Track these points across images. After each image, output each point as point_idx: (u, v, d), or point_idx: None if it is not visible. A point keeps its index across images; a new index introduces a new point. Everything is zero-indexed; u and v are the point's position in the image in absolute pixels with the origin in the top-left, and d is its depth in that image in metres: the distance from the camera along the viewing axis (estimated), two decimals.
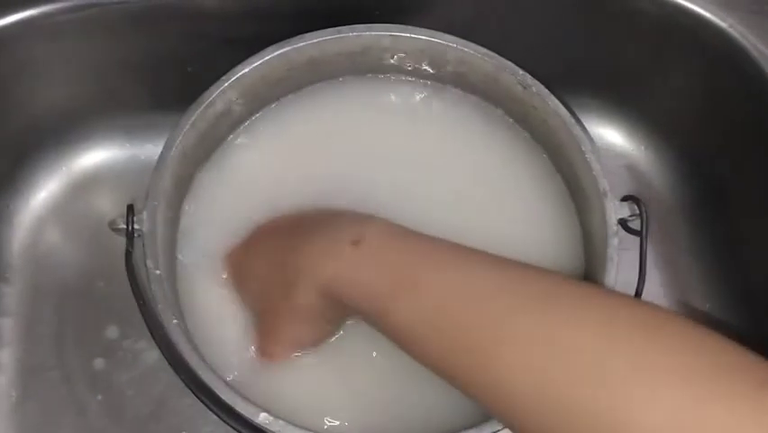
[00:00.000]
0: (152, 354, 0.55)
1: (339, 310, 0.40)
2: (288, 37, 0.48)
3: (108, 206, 0.59)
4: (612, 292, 0.39)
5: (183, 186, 0.47)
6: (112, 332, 0.56)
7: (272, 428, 0.39)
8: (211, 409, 0.41)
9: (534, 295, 0.34)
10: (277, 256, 0.42)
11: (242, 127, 0.50)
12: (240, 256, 0.45)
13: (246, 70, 0.47)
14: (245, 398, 0.39)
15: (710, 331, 0.31)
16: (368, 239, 0.38)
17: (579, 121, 0.47)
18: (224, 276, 0.45)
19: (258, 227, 0.46)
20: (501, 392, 0.32)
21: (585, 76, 0.60)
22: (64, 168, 0.60)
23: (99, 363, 0.55)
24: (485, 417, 0.39)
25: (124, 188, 0.59)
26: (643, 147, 0.63)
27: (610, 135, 0.63)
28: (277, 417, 0.39)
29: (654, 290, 0.58)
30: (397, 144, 0.50)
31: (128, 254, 0.43)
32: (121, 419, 0.54)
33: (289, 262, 0.40)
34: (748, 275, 0.57)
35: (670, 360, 0.30)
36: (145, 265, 0.42)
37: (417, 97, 0.52)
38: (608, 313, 0.33)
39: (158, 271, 0.42)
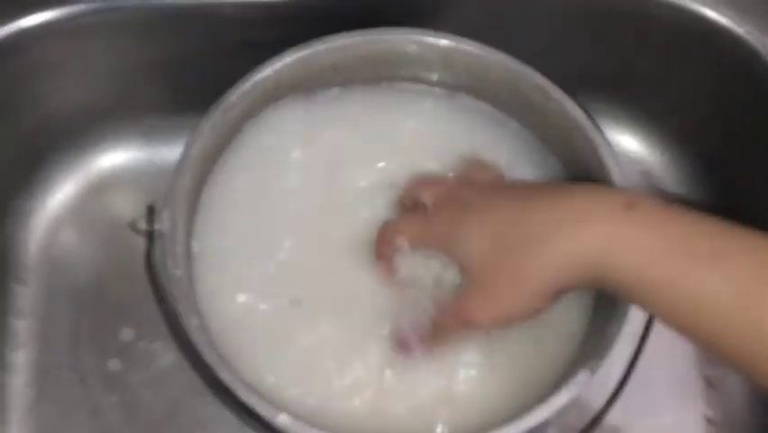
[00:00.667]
0: (167, 356, 0.55)
1: (579, 282, 0.37)
2: (307, 41, 0.49)
3: (125, 208, 0.59)
4: None
5: (201, 179, 0.47)
6: (127, 333, 0.56)
7: (291, 430, 0.39)
8: (231, 410, 0.41)
9: None
10: (510, 212, 0.38)
11: (261, 130, 0.50)
12: (439, 203, 0.41)
13: (266, 73, 0.48)
14: (265, 399, 0.39)
15: None
16: (641, 205, 0.35)
17: (597, 126, 0.47)
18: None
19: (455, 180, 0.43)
20: None
21: (600, 82, 0.60)
22: (81, 169, 0.60)
23: (114, 364, 0.55)
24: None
25: (142, 190, 0.59)
26: (659, 153, 0.63)
27: (626, 141, 0.63)
28: (296, 418, 0.39)
29: None
30: (411, 150, 0.50)
31: (148, 255, 0.43)
32: (135, 420, 0.54)
33: (533, 224, 0.37)
34: None
35: None
36: (165, 266, 0.42)
37: (431, 104, 0.52)
38: None
39: (178, 272, 0.42)
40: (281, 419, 0.39)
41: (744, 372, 0.34)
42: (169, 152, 0.58)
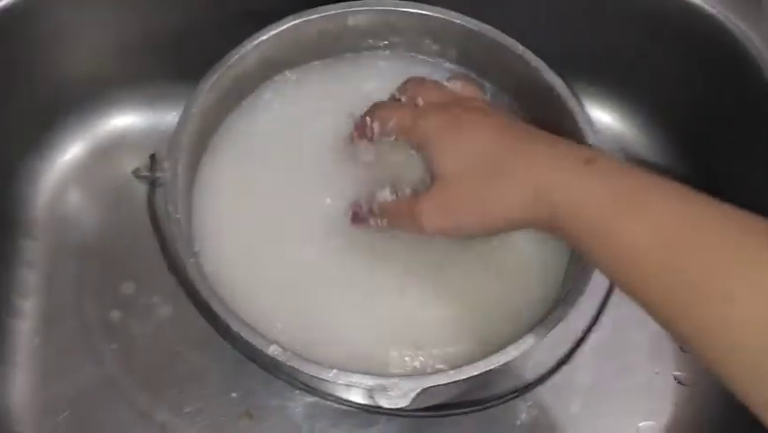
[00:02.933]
0: (165, 309, 0.59)
1: (532, 220, 0.39)
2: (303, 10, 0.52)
3: (129, 169, 0.62)
4: None
5: (203, 141, 0.50)
6: (128, 287, 0.59)
7: (282, 359, 0.41)
8: (230, 343, 0.44)
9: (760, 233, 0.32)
10: (492, 142, 0.40)
11: (257, 91, 0.53)
12: (426, 116, 0.43)
13: (264, 38, 0.51)
14: (256, 331, 0.42)
15: None
16: (600, 161, 0.38)
17: (575, 95, 0.50)
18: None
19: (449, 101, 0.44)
20: (725, 344, 0.31)
21: (582, 61, 0.63)
22: (88, 132, 0.64)
23: (115, 315, 0.58)
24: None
25: (145, 153, 0.61)
26: (637, 130, 0.66)
27: (606, 119, 0.66)
28: (286, 349, 0.42)
29: None
30: None
31: (150, 200, 0.46)
32: (133, 367, 0.57)
33: (508, 159, 0.40)
34: None
35: None
36: (166, 209, 0.45)
37: (419, 70, 0.54)
38: None
39: (177, 216, 0.45)
40: (272, 350, 0.42)
41: (667, 326, 0.35)
42: (172, 118, 0.59)
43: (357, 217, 0.46)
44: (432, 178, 0.42)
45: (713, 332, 0.32)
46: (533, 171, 0.39)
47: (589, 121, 0.49)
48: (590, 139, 0.48)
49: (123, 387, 0.56)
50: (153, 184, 0.46)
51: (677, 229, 0.34)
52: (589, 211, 0.36)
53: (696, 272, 0.33)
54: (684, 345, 0.35)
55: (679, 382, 0.58)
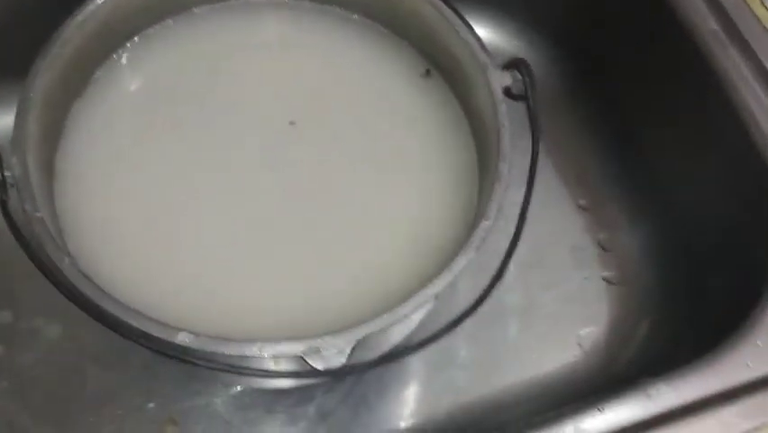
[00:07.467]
0: (52, 329, 0.52)
1: None
2: None
3: None
4: None
5: (54, 128, 0.44)
6: (5, 316, 0.53)
7: (194, 346, 0.37)
8: (131, 339, 0.38)
9: None
10: None
11: (107, 64, 0.47)
12: None
13: (99, 2, 0.45)
14: (158, 321, 0.37)
15: None
16: None
17: (454, 9, 0.47)
18: None
19: None
20: None
21: None
22: None
23: None
24: None
25: None
26: (516, 41, 0.64)
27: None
28: (198, 334, 0.37)
29: (549, 175, 0.59)
30: (275, 74, 0.49)
31: (3, 204, 0.40)
32: (32, 401, 0.50)
33: None
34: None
35: None
36: (23, 210, 0.39)
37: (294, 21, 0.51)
38: None
39: (38, 214, 0.39)
40: (181, 337, 0.37)
41: None
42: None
43: None
44: None
45: None
46: None
47: (470, 29, 0.47)
48: (470, 40, 0.46)
49: (24, 427, 0.50)
50: (3, 185, 0.40)
51: None
52: None
53: None
54: None
55: (609, 283, 0.57)
